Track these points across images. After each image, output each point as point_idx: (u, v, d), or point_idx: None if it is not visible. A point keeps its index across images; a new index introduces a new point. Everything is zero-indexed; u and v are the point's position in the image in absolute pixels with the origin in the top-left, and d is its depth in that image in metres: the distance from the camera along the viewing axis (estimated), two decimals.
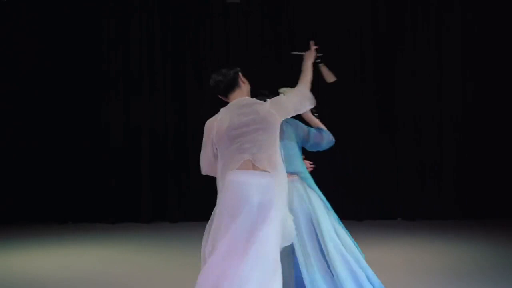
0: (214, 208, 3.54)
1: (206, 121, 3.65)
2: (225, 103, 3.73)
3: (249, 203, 3.46)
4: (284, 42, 8.71)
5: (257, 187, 3.50)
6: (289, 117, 3.75)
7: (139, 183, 8.82)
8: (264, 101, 3.69)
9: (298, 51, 4.09)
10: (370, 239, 7.23)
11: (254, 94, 3.88)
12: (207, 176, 3.73)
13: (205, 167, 3.71)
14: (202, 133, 3.65)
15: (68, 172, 8.81)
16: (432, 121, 8.66)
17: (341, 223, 4.09)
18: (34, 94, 8.94)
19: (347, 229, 4.05)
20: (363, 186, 8.63)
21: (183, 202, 8.74)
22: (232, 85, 3.73)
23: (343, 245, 3.97)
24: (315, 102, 3.74)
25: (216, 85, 3.73)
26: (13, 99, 8.93)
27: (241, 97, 3.72)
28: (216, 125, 3.61)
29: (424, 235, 7.52)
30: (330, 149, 8.69)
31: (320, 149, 4.23)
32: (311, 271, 3.88)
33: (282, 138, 3.83)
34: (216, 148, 3.63)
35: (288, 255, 3.90)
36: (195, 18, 8.81)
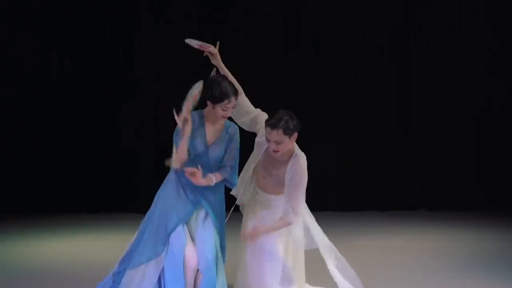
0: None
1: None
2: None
3: None
4: (304, 42, 8.82)
5: None
6: None
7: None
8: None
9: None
10: (394, 228, 7.52)
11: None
12: None
13: None
14: None
15: (98, 166, 8.91)
16: (454, 113, 8.81)
17: None
18: (34, 94, 8.92)
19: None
20: (384, 176, 8.76)
21: None
22: None
23: None
24: None
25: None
26: (13, 99, 8.90)
27: None
28: None
29: (448, 225, 7.71)
30: (352, 139, 8.77)
31: None
32: None
33: None
34: None
35: None
36: (214, 19, 8.87)
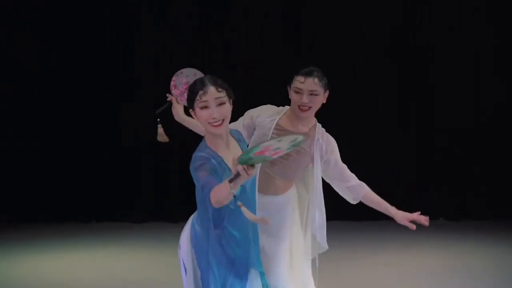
0: None
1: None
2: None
3: None
4: (303, 42, 8.76)
5: None
6: None
7: (166, 183, 8.83)
8: None
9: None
10: (412, 240, 7.03)
11: None
12: None
13: None
14: None
15: (92, 173, 8.82)
16: (470, 118, 8.71)
17: None
18: (34, 94, 8.90)
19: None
20: (402, 185, 8.71)
21: None
22: None
23: None
24: None
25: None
26: (13, 99, 8.88)
27: None
28: None
29: (472, 238, 7.40)
30: (367, 149, 8.52)
31: None
32: None
33: None
34: None
35: None
36: (215, 19, 8.84)
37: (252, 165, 2.56)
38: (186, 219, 3.26)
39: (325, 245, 3.63)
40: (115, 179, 8.82)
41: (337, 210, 8.28)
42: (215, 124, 2.97)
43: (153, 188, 8.83)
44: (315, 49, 8.78)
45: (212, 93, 2.96)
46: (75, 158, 8.85)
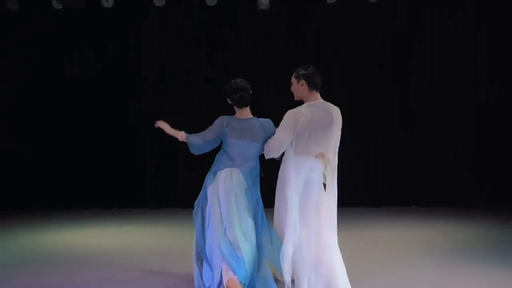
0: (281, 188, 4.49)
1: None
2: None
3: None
4: (309, 44, 8.92)
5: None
6: None
7: (174, 177, 9.12)
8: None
9: None
10: (388, 222, 7.83)
11: None
12: None
13: (278, 151, 4.51)
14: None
15: (115, 168, 9.14)
16: (449, 111, 8.93)
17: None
18: (40, 95, 9.03)
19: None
20: (381, 174, 9.03)
21: None
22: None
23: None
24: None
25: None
26: (17, 98, 9.02)
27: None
28: (300, 119, 4.38)
29: (437, 220, 7.98)
30: (351, 139, 8.48)
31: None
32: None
33: (248, 138, 4.62)
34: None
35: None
36: (225, 21, 8.99)
37: None
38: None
39: None
40: (134, 172, 9.12)
41: None
42: None
43: (165, 180, 9.13)
44: (315, 53, 8.93)
45: None
46: (102, 156, 9.11)
